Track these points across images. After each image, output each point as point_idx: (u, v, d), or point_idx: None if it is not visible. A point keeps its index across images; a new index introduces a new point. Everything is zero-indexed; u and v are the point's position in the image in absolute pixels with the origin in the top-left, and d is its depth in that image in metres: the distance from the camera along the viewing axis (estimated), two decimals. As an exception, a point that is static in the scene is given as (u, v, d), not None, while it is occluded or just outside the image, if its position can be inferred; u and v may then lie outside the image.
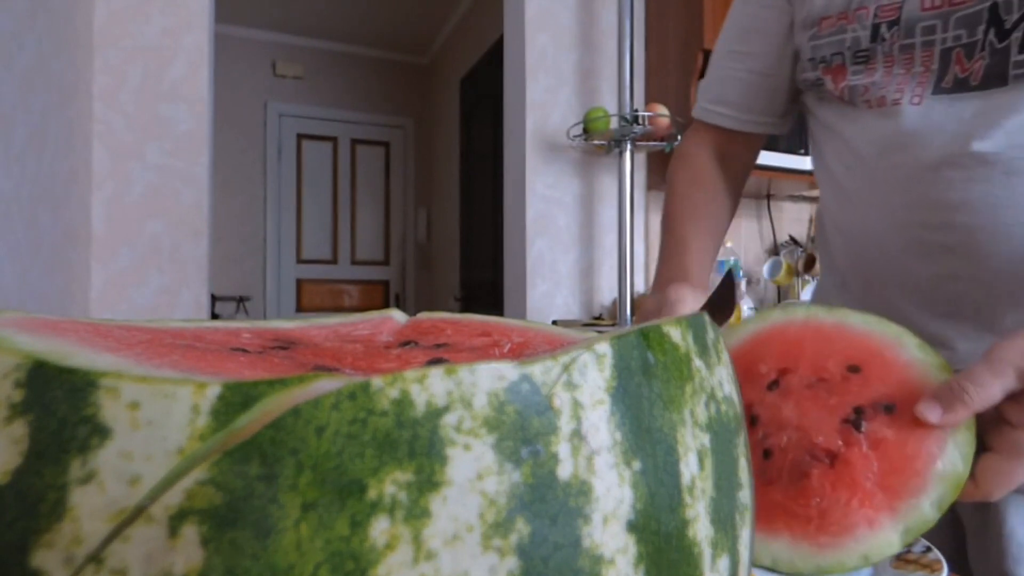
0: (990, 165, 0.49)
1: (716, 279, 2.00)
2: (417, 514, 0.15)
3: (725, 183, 0.71)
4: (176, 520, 0.14)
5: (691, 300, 0.47)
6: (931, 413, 0.35)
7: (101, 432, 0.14)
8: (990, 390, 0.34)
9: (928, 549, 0.41)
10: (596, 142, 1.89)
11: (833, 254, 0.64)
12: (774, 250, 2.35)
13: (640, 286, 2.17)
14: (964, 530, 0.57)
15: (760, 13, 0.66)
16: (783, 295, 2.33)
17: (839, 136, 0.60)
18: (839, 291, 0.64)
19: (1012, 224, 0.48)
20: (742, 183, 0.74)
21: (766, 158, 1.89)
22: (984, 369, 0.34)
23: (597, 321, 1.96)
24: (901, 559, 0.40)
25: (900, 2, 0.52)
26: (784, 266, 2.08)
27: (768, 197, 2.32)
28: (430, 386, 0.15)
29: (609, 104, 2.07)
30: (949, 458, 0.35)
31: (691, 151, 0.72)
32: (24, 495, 0.14)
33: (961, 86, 0.50)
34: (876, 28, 0.54)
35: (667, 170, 0.75)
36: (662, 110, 1.80)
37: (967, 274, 0.51)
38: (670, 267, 0.63)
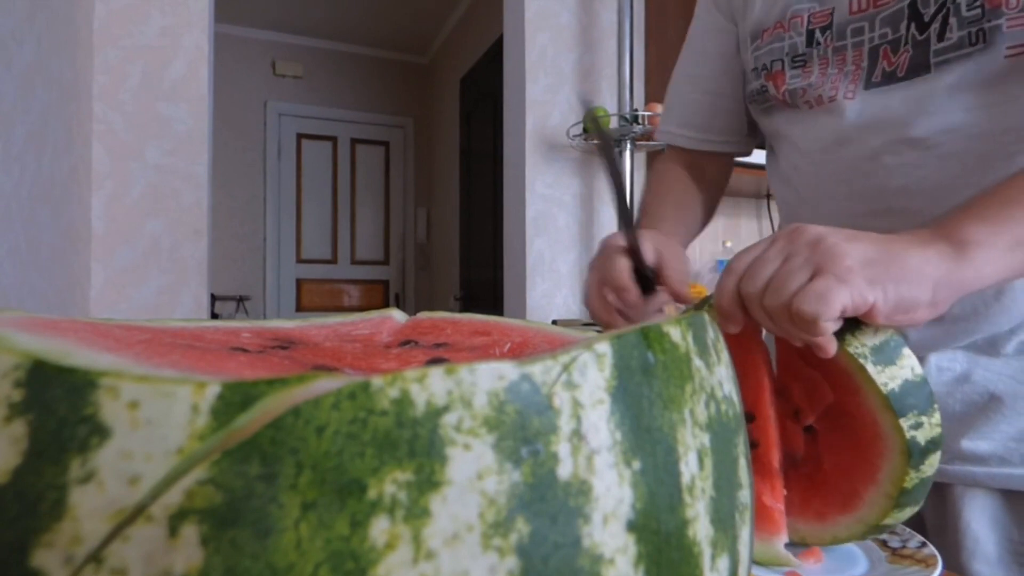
0: (924, 150, 0.51)
1: (714, 279, 2.00)
2: (417, 514, 0.15)
3: (698, 191, 0.73)
4: (176, 520, 0.14)
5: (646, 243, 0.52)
6: (728, 328, 0.40)
7: (101, 431, 0.14)
8: (726, 287, 0.40)
9: (923, 544, 0.41)
10: (596, 142, 1.89)
11: None
12: (774, 250, 2.35)
13: (640, 286, 2.17)
14: (925, 526, 0.58)
15: (710, 36, 0.70)
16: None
17: (786, 139, 0.62)
18: None
19: (950, 207, 0.50)
20: (715, 198, 0.76)
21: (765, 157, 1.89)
22: (719, 283, 0.40)
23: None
24: (897, 553, 0.40)
25: (831, 9, 0.56)
26: (784, 266, 2.08)
27: (768, 197, 2.32)
28: (430, 386, 0.15)
29: (609, 104, 2.07)
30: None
31: (662, 167, 0.76)
32: (24, 495, 0.14)
33: (889, 78, 0.53)
34: (811, 33, 0.57)
35: (643, 187, 0.77)
36: (661, 110, 1.80)
37: None
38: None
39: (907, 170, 0.52)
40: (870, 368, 0.36)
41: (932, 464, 0.37)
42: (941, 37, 0.50)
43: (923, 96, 0.51)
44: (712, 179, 0.75)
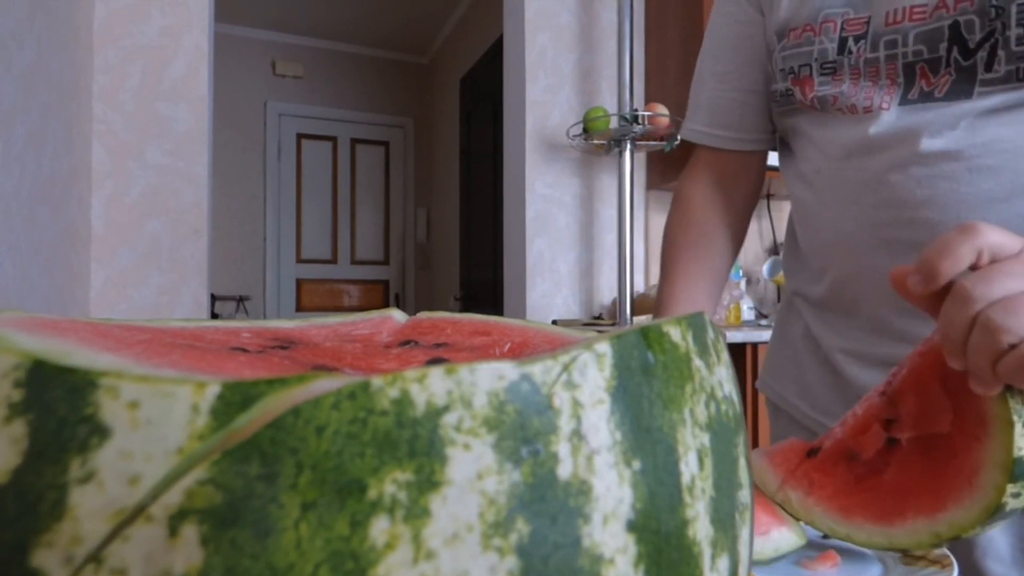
0: (954, 161, 0.50)
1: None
2: (417, 513, 0.15)
3: (722, 218, 0.70)
4: (176, 520, 0.14)
5: None
6: (916, 285, 0.35)
7: (101, 431, 0.14)
8: (959, 256, 0.34)
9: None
10: (596, 142, 1.89)
11: (806, 255, 0.65)
12: (774, 249, 2.35)
13: (640, 286, 2.17)
14: None
15: (737, 30, 0.66)
16: (783, 294, 2.33)
17: (810, 140, 0.61)
18: (811, 288, 0.65)
19: (976, 221, 0.49)
20: (748, 208, 0.73)
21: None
22: (951, 239, 0.34)
23: (597, 321, 1.96)
24: (908, 555, 0.40)
25: (867, 17, 0.54)
26: (784, 266, 2.08)
27: (768, 197, 2.32)
28: (430, 385, 0.15)
29: (609, 104, 2.07)
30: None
31: (685, 192, 0.72)
32: (23, 495, 0.14)
33: (926, 97, 0.52)
34: (843, 41, 0.55)
35: (671, 206, 0.74)
36: (662, 110, 1.80)
37: None
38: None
39: (935, 182, 0.51)
40: (1017, 429, 0.34)
41: (996, 525, 0.36)
42: (988, 68, 0.49)
43: (960, 114, 0.50)
44: (743, 182, 0.72)
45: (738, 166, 0.71)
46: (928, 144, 0.51)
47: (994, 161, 0.49)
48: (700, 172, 0.72)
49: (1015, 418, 0.34)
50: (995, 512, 0.34)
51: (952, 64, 0.50)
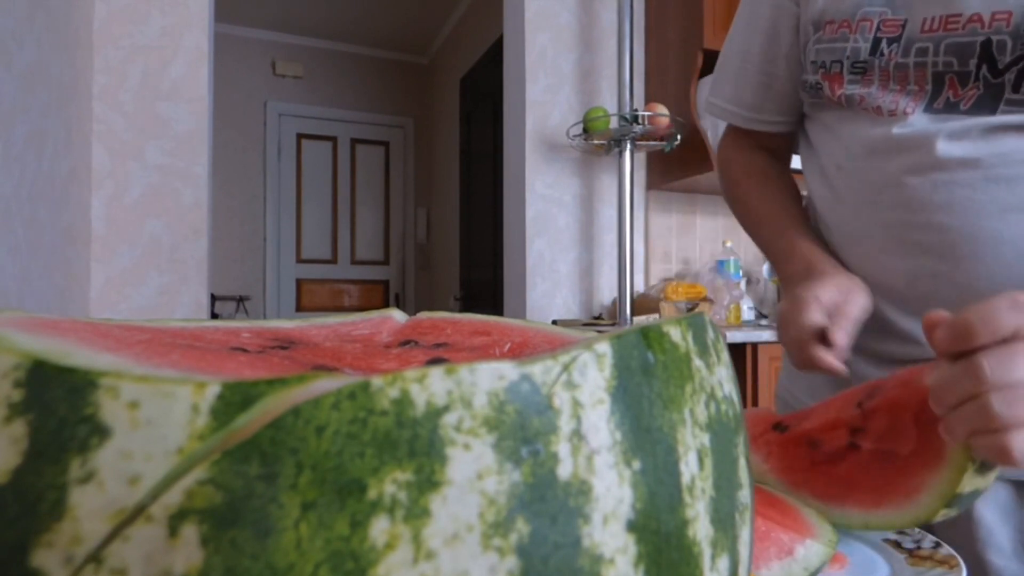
0: (972, 169, 0.51)
1: (714, 279, 2.00)
2: (417, 513, 0.15)
3: (775, 165, 0.72)
4: (176, 520, 0.14)
5: (823, 292, 0.51)
6: (944, 341, 0.35)
7: (101, 431, 0.14)
8: (997, 328, 0.33)
9: (938, 544, 0.41)
10: (596, 142, 1.89)
11: None
12: (774, 250, 2.35)
13: (640, 286, 2.17)
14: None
15: (770, 13, 0.66)
16: (783, 294, 2.33)
17: (835, 135, 0.61)
18: None
19: (989, 230, 0.50)
20: (788, 163, 0.75)
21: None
22: (998, 309, 0.34)
23: (597, 321, 1.96)
24: (915, 555, 0.40)
25: (903, 20, 0.54)
26: (784, 266, 2.08)
27: (768, 197, 2.32)
28: (430, 385, 0.15)
29: (609, 104, 2.07)
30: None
31: (728, 155, 0.75)
32: (24, 495, 0.14)
33: (951, 108, 0.53)
34: (877, 42, 0.55)
35: (718, 176, 0.77)
36: (662, 110, 1.80)
37: (943, 274, 0.52)
38: (790, 262, 0.62)
39: (952, 188, 0.51)
40: (968, 474, 0.37)
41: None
42: (1016, 89, 0.50)
43: (980, 125, 0.51)
44: (776, 150, 0.73)
45: (763, 142, 0.73)
46: (946, 149, 0.52)
47: (1012, 172, 0.49)
48: (735, 141, 0.75)
49: (969, 465, 0.37)
50: (923, 524, 0.38)
51: (981, 80, 0.51)
